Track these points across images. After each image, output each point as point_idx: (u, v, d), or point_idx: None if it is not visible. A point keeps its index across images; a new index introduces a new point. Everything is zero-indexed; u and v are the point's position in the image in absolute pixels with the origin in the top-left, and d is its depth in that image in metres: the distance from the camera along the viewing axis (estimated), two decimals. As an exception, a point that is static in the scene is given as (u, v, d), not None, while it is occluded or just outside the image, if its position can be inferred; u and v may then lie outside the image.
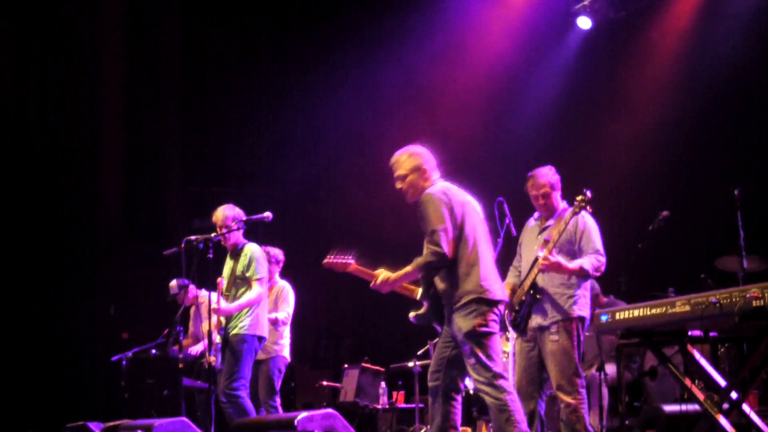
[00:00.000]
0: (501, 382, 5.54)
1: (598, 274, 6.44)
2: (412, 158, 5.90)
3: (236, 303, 7.60)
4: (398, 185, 5.93)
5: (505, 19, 11.41)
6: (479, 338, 5.55)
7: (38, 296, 11.45)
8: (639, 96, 10.78)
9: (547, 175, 6.61)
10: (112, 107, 12.20)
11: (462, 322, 5.58)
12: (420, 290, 5.91)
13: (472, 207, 5.85)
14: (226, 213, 7.78)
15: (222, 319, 7.68)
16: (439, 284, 5.73)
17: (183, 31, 12.62)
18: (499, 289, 5.71)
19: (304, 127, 12.62)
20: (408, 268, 5.71)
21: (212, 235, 7.53)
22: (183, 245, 7.45)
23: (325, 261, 6.13)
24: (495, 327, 5.62)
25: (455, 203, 5.71)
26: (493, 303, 5.63)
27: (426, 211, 5.65)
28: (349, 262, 6.00)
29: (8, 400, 10.84)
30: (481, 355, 5.53)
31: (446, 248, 5.57)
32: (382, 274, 5.82)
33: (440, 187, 5.80)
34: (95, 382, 11.45)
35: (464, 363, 5.65)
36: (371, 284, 5.88)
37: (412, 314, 6.02)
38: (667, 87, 10.53)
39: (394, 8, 11.88)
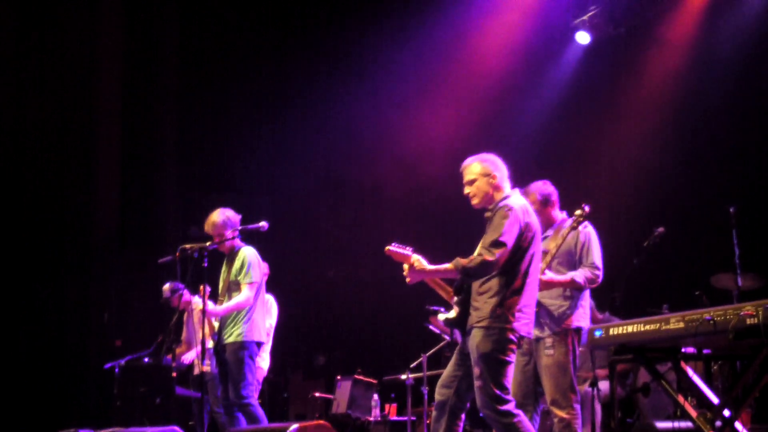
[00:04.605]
0: (506, 407, 5.46)
1: (592, 286, 6.45)
2: (481, 164, 5.84)
3: (224, 306, 7.54)
4: (466, 190, 5.86)
5: (504, 34, 11.42)
6: (494, 365, 5.47)
7: (32, 302, 11.41)
8: (636, 112, 10.80)
9: (538, 190, 6.62)
10: (108, 112, 12.18)
11: (481, 342, 5.50)
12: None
13: (539, 237, 5.79)
14: (217, 220, 7.70)
15: (216, 324, 7.63)
16: (476, 294, 5.64)
17: (180, 36, 12.61)
18: (527, 325, 5.61)
19: (302, 133, 12.60)
20: (448, 266, 5.60)
21: (207, 243, 7.50)
22: (178, 254, 7.41)
23: (388, 249, 5.98)
24: (512, 358, 5.54)
25: (530, 227, 5.66)
26: (517, 337, 5.56)
27: (501, 220, 5.55)
28: (408, 253, 5.90)
29: (1, 407, 10.80)
30: (491, 381, 5.45)
31: (499, 264, 5.50)
32: (418, 261, 5.72)
33: (522, 204, 5.74)
34: (87, 389, 11.41)
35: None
36: (405, 272, 5.76)
37: (441, 317, 5.96)
38: (665, 104, 10.56)
39: (393, 22, 11.89)
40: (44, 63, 11.80)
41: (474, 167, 5.86)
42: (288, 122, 12.71)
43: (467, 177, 5.87)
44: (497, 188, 5.81)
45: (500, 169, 5.86)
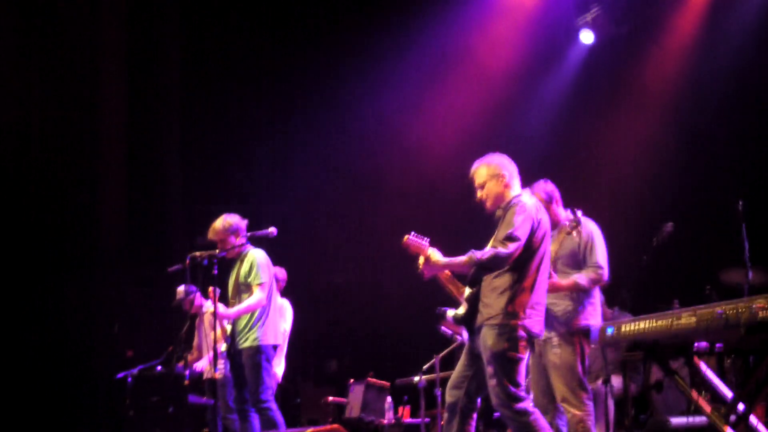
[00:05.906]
0: (522, 405, 5.45)
1: (597, 285, 6.44)
2: (489, 167, 5.88)
3: (236, 308, 7.52)
4: (477, 194, 5.89)
5: (508, 33, 11.42)
6: (507, 363, 5.47)
7: (42, 314, 11.41)
8: (642, 109, 10.80)
9: (542, 189, 6.61)
10: (112, 123, 12.16)
11: (492, 340, 5.50)
12: (467, 291, 5.79)
13: (549, 236, 5.81)
14: (218, 226, 7.69)
15: (228, 328, 7.61)
16: (486, 290, 5.64)
17: (184, 44, 12.59)
18: (538, 324, 5.62)
19: (308, 142, 12.59)
20: (462, 259, 5.58)
21: (216, 251, 7.50)
22: (188, 262, 7.40)
23: (407, 239, 5.97)
24: (525, 354, 5.54)
25: (542, 225, 5.67)
26: (527, 334, 5.56)
27: (514, 216, 5.57)
28: (425, 245, 5.91)
29: (12, 418, 10.80)
30: (504, 379, 5.44)
31: (513, 257, 5.49)
32: (434, 254, 5.73)
33: (534, 202, 5.78)
34: (99, 399, 11.41)
35: (485, 381, 5.58)
36: (420, 265, 5.75)
37: (450, 313, 5.96)
38: (670, 101, 10.56)
39: (397, 22, 11.87)
40: (48, 71, 11.77)
41: (482, 171, 5.89)
42: (294, 130, 12.69)
43: (477, 181, 5.90)
44: (507, 187, 5.83)
45: (508, 168, 5.88)
